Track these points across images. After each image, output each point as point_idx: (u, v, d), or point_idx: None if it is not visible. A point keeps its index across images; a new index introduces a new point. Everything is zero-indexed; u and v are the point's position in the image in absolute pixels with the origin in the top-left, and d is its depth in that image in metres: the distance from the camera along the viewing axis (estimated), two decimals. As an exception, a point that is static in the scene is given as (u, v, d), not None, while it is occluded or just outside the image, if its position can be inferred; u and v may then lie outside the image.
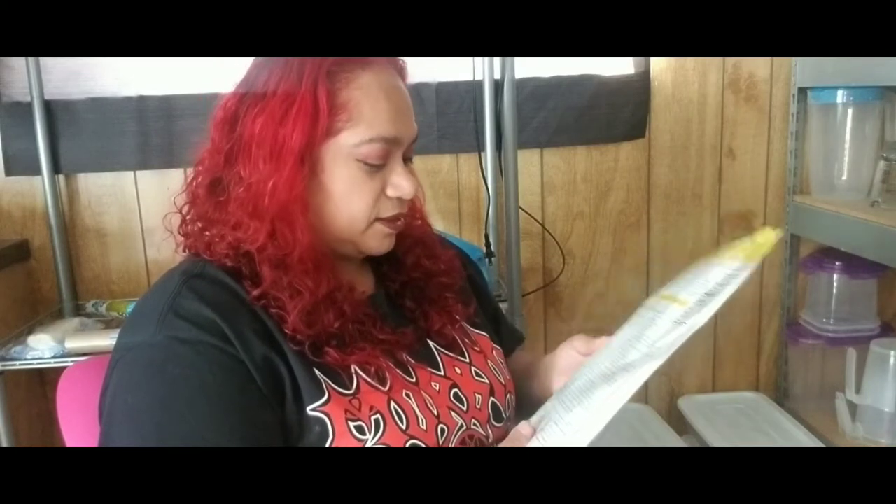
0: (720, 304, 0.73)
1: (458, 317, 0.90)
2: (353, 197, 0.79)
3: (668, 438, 1.72)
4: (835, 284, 1.79)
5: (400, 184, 0.80)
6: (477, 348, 0.90)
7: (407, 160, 0.83)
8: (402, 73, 0.84)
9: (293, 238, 0.75)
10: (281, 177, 0.75)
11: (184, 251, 0.81)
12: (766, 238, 0.77)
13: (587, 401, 0.72)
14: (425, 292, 0.89)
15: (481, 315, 0.96)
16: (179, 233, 0.81)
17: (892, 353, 1.58)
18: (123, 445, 0.68)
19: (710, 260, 0.82)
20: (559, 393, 0.80)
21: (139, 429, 0.68)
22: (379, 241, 0.82)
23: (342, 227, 0.80)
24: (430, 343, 0.86)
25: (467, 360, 0.88)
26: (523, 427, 0.77)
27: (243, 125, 0.77)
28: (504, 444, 0.77)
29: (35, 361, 1.46)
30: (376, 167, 0.79)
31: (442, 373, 0.84)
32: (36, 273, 1.78)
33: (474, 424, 0.83)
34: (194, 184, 0.81)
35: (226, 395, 0.70)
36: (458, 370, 0.86)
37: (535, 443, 0.74)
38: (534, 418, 0.79)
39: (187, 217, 0.81)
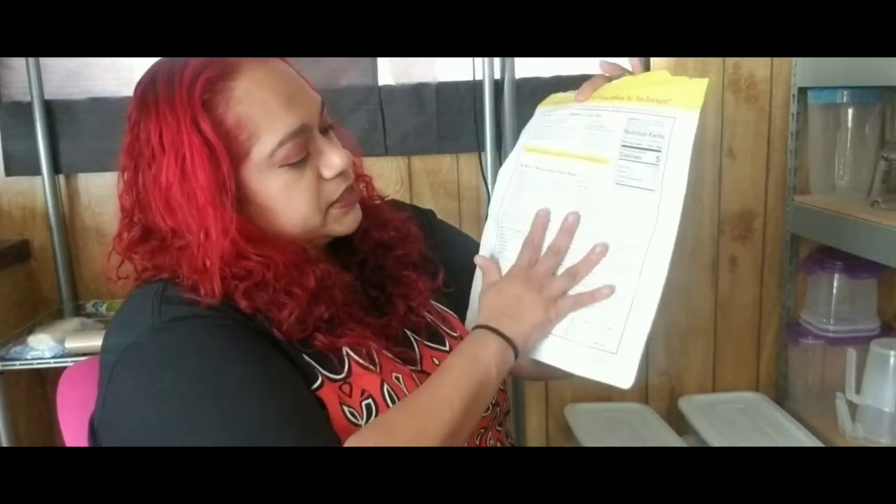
0: (685, 163, 0.72)
1: (423, 296, 0.86)
2: (294, 201, 0.76)
3: (668, 438, 1.72)
4: (835, 284, 1.79)
5: (331, 162, 0.77)
6: (455, 334, 0.88)
7: (326, 131, 0.80)
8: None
9: (259, 263, 0.73)
10: (209, 229, 0.72)
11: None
12: (662, 75, 0.74)
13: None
14: (385, 271, 0.86)
15: (456, 284, 0.91)
16: (137, 281, 0.78)
17: (892, 353, 1.57)
18: (172, 431, 0.66)
19: (565, 106, 0.79)
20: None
21: (183, 407, 0.67)
22: (341, 223, 0.80)
23: (299, 229, 0.78)
24: (409, 334, 0.84)
25: (447, 348, 0.86)
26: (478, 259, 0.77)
27: (147, 192, 0.74)
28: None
29: (35, 361, 1.46)
30: (301, 161, 0.76)
31: (418, 367, 0.82)
32: (36, 273, 1.78)
33: None
34: (120, 247, 0.78)
35: (250, 350, 0.69)
36: (436, 361, 0.84)
37: (575, 348, 0.74)
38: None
39: (138, 269, 0.78)
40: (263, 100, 0.73)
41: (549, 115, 0.82)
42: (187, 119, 0.71)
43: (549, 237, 0.79)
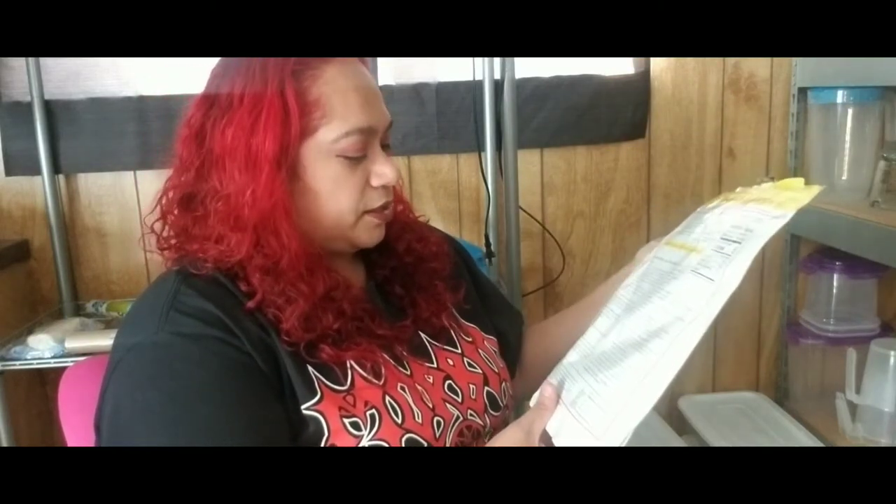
0: (750, 258, 0.66)
1: (446, 304, 0.89)
2: (338, 194, 0.78)
3: (668, 438, 1.72)
4: (835, 284, 1.79)
5: (383, 172, 0.80)
6: (468, 338, 0.91)
7: (385, 147, 0.83)
8: (363, 60, 0.83)
9: (280, 245, 0.75)
10: (258, 185, 0.74)
11: (167, 265, 0.80)
12: (798, 185, 0.72)
13: (622, 373, 0.67)
14: (414, 279, 0.89)
15: (472, 301, 0.96)
16: (157, 248, 0.80)
17: (892, 353, 1.58)
18: (135, 444, 0.68)
19: (720, 203, 0.79)
20: (581, 353, 0.76)
21: (151, 426, 0.68)
22: (370, 233, 0.82)
23: (331, 225, 0.80)
24: (422, 335, 0.86)
25: (459, 350, 0.88)
26: (546, 388, 0.74)
27: (212, 139, 0.76)
28: (530, 413, 0.74)
29: (35, 361, 1.46)
30: (357, 160, 0.79)
31: (435, 365, 0.85)
32: (36, 273, 1.78)
33: (471, 415, 0.83)
34: (164, 201, 0.80)
35: (236, 389, 0.70)
36: (450, 361, 0.86)
37: (569, 419, 0.70)
38: (552, 379, 0.76)
39: (163, 234, 0.80)
40: (346, 90, 0.77)
41: (699, 211, 0.83)
42: (275, 81, 0.75)
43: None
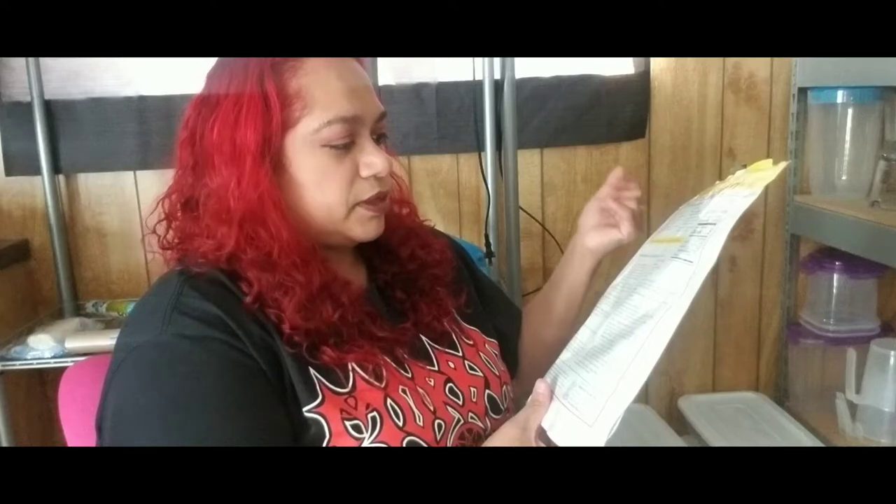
0: (724, 235, 0.68)
1: (448, 308, 0.89)
2: (326, 185, 0.78)
3: (668, 438, 1.72)
4: (835, 284, 1.79)
5: (371, 162, 0.79)
6: (469, 342, 0.91)
7: (380, 138, 0.82)
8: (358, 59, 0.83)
9: (269, 236, 0.75)
10: (243, 177, 0.74)
11: (169, 265, 0.80)
12: (766, 165, 0.76)
13: (611, 360, 0.69)
14: (416, 284, 0.89)
15: (473, 305, 0.96)
16: (159, 248, 0.81)
17: (892, 353, 1.58)
18: (136, 445, 0.67)
19: (699, 198, 0.82)
20: (574, 350, 0.78)
21: (152, 429, 0.68)
22: (364, 226, 0.81)
23: (322, 218, 0.79)
24: (423, 338, 0.86)
25: (460, 353, 0.88)
26: (539, 385, 0.75)
27: (202, 137, 0.77)
28: (525, 410, 0.75)
29: (35, 361, 1.46)
30: (344, 150, 0.78)
31: (436, 368, 0.84)
32: (36, 273, 1.78)
33: (472, 417, 0.83)
34: (167, 204, 0.80)
35: (238, 392, 0.70)
36: (451, 364, 0.86)
37: (563, 410, 0.71)
38: (548, 378, 0.77)
39: (165, 237, 0.80)
40: (327, 81, 0.77)
41: (680, 209, 0.85)
42: (255, 74, 0.75)
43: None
